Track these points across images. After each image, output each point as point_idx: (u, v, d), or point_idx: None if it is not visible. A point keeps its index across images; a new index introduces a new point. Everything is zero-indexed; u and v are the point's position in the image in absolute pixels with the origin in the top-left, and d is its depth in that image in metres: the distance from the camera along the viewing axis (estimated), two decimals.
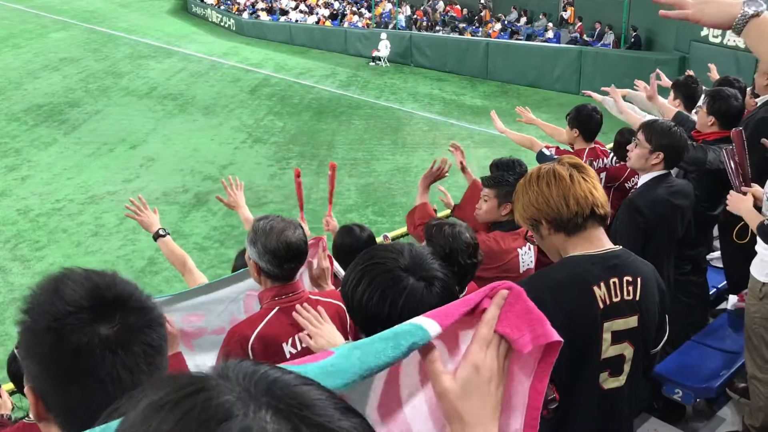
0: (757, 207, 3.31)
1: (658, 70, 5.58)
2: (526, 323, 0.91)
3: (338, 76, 22.55)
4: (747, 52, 14.47)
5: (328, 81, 21.80)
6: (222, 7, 32.21)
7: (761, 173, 3.43)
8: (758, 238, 3.29)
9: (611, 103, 4.88)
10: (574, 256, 2.05)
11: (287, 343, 2.45)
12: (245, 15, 30.93)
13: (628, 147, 3.62)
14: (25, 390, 1.15)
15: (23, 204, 12.37)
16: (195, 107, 18.68)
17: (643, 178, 3.52)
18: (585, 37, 22.37)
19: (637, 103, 4.99)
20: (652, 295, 2.12)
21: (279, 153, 15.26)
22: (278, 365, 0.65)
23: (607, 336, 2.04)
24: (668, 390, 3.78)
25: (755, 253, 3.39)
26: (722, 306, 4.73)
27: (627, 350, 2.08)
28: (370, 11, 29.56)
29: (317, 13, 30.20)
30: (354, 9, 30.41)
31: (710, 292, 4.50)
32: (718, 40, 15.94)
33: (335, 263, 3.06)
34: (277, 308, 2.45)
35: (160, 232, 3.25)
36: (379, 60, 23.76)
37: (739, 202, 3.37)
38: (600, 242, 2.07)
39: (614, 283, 2.03)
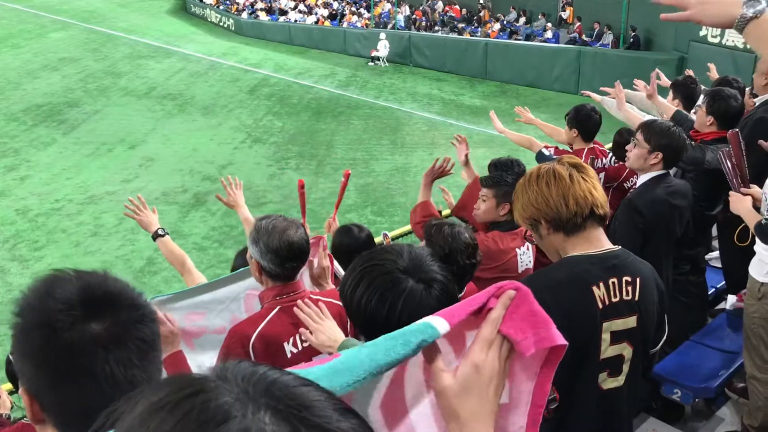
0: (757, 207, 3.32)
1: (657, 70, 5.59)
2: (530, 325, 0.90)
3: (337, 76, 22.54)
4: (745, 52, 14.50)
5: (327, 81, 21.80)
6: (221, 7, 32.20)
7: (759, 174, 3.43)
8: (756, 238, 3.30)
9: (610, 103, 4.89)
10: (574, 256, 2.05)
11: (288, 343, 2.45)
12: (244, 15, 30.91)
13: (626, 147, 3.62)
14: (20, 392, 1.15)
15: (22, 204, 12.36)
16: (194, 107, 18.67)
17: (642, 178, 3.53)
18: (584, 37, 22.38)
19: (635, 103, 4.99)
20: (651, 296, 2.12)
21: (278, 153, 15.25)
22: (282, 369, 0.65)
23: (606, 336, 2.04)
24: (667, 390, 3.78)
25: (755, 253, 3.40)
26: (721, 306, 4.73)
27: (626, 350, 2.09)
28: (369, 11, 29.57)
29: (316, 13, 30.20)
30: (353, 9, 30.42)
31: (709, 292, 4.50)
32: (716, 40, 15.96)
33: (335, 263, 3.07)
34: (278, 308, 2.45)
35: (159, 231, 3.25)
36: (378, 60, 23.76)
37: (738, 203, 3.38)
38: (599, 242, 2.07)
39: (613, 283, 2.03)
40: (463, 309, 0.91)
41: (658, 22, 18.68)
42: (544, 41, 22.77)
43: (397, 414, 0.94)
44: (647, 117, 4.34)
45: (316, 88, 20.92)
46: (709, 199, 4.09)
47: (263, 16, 30.67)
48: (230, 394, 0.57)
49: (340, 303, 2.47)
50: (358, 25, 28.37)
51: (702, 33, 16.38)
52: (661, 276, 2.30)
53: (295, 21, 29.49)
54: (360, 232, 3.67)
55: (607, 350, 2.05)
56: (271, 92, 20.35)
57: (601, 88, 5.08)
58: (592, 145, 4.67)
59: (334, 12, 30.48)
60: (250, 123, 17.37)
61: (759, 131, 4.01)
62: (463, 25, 26.13)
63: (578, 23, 22.96)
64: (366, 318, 1.53)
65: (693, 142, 4.01)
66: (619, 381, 2.11)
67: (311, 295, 2.55)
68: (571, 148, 4.74)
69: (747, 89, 4.90)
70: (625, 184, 4.56)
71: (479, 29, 25.45)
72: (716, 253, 4.83)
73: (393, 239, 5.46)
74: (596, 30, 22.16)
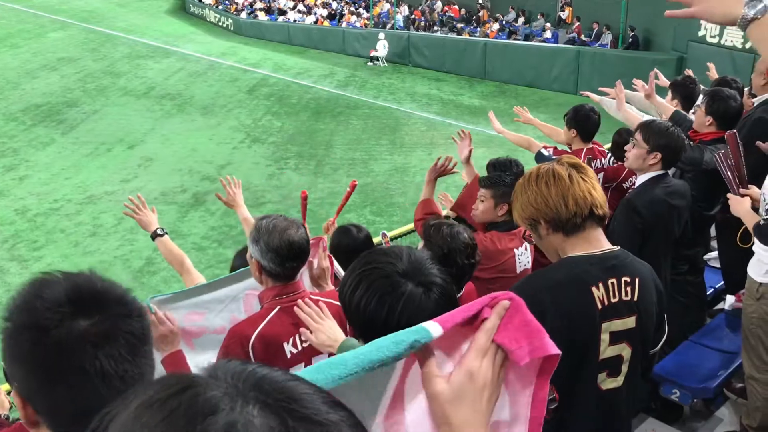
0: (755, 208, 3.32)
1: (656, 70, 5.59)
2: (524, 335, 0.92)
3: (336, 76, 22.54)
4: (744, 52, 14.51)
5: (326, 81, 21.79)
6: (220, 7, 32.17)
7: (757, 174, 3.43)
8: (755, 239, 3.30)
9: (609, 104, 4.89)
10: (573, 256, 2.05)
11: (288, 343, 2.45)
12: (243, 15, 30.89)
13: (625, 147, 3.62)
14: (13, 396, 1.15)
15: (21, 204, 12.35)
16: (193, 107, 18.66)
17: (641, 179, 3.53)
18: (583, 37, 22.39)
19: (635, 104, 4.99)
20: (650, 296, 2.13)
21: (277, 153, 15.25)
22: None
23: (605, 337, 2.04)
24: (666, 390, 3.79)
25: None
26: (720, 306, 4.74)
27: (625, 351, 2.09)
28: (368, 11, 29.56)
29: (315, 13, 30.18)
30: (352, 9, 30.41)
31: (707, 293, 4.51)
32: (715, 40, 15.97)
33: (335, 263, 3.07)
34: (278, 308, 2.45)
35: (158, 231, 3.24)
36: (377, 60, 23.76)
37: (737, 205, 3.38)
38: (599, 243, 2.07)
39: (612, 283, 2.03)
40: (457, 315, 0.92)
41: (657, 22, 18.71)
42: (543, 41, 22.78)
43: (399, 425, 0.95)
44: (646, 117, 4.34)
45: (315, 88, 20.91)
46: (707, 199, 4.09)
47: (262, 16, 30.66)
48: (219, 389, 0.58)
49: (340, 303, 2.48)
50: (357, 25, 28.36)
51: (701, 33, 16.39)
52: (659, 276, 2.30)
53: (294, 21, 29.47)
54: (359, 232, 3.67)
55: (606, 351, 2.06)
56: (270, 92, 20.35)
57: (600, 89, 5.09)
58: (590, 145, 4.67)
59: (333, 12, 30.48)
60: (249, 123, 17.37)
61: (757, 131, 4.02)
62: (462, 25, 26.13)
63: (577, 23, 22.96)
64: (365, 321, 1.52)
65: (692, 143, 4.02)
66: (618, 381, 2.12)
67: (311, 296, 2.55)
68: (570, 148, 4.74)
69: (746, 89, 4.90)
70: (623, 185, 4.56)
71: (478, 29, 25.45)
72: (715, 254, 4.83)
73: (392, 239, 5.46)
74: (595, 30, 22.17)
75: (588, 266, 2.03)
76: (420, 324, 0.89)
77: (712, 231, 4.71)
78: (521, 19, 25.16)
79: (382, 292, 1.51)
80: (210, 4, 32.45)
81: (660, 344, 2.30)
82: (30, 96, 19.17)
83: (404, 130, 17.01)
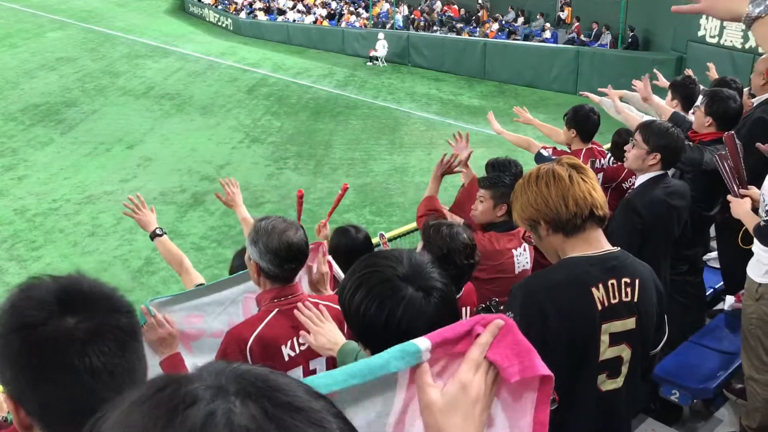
0: (755, 209, 3.32)
1: (655, 70, 5.59)
2: (515, 354, 0.96)
3: (336, 75, 22.53)
4: (743, 52, 14.52)
5: (326, 81, 21.79)
6: (219, 7, 32.16)
7: (757, 175, 3.43)
8: (755, 240, 3.30)
9: (608, 104, 4.89)
10: (573, 257, 2.05)
11: (286, 346, 2.44)
12: (243, 15, 30.88)
13: (625, 147, 3.62)
14: (4, 399, 1.15)
15: (20, 204, 12.34)
16: (192, 107, 18.65)
17: (641, 179, 3.53)
18: (582, 37, 22.39)
19: (633, 104, 4.99)
20: (650, 297, 2.12)
21: (276, 153, 15.24)
22: None
23: (605, 338, 2.03)
24: (665, 391, 3.79)
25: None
26: (719, 307, 4.74)
27: (625, 352, 2.08)
28: (367, 11, 29.55)
29: (315, 13, 30.17)
30: (351, 9, 30.40)
31: (707, 293, 4.50)
32: (715, 41, 15.97)
33: (335, 266, 3.06)
34: (276, 310, 2.44)
35: (158, 231, 3.23)
36: (377, 60, 23.75)
37: (737, 207, 3.37)
38: (599, 243, 2.07)
39: (612, 284, 2.03)
40: (447, 332, 0.96)
41: (657, 22, 18.72)
42: (543, 41, 22.77)
43: None
44: (646, 118, 4.33)
45: (315, 87, 20.90)
46: (707, 199, 4.09)
47: (261, 16, 30.65)
48: (201, 383, 0.60)
49: (339, 307, 2.48)
50: (357, 24, 28.36)
51: (700, 33, 16.40)
52: (659, 276, 2.29)
53: (294, 21, 29.46)
54: (357, 232, 3.67)
55: (606, 352, 2.05)
56: (269, 92, 20.34)
57: (600, 89, 5.08)
58: (590, 146, 4.67)
59: (332, 12, 30.46)
60: (248, 123, 17.36)
61: (757, 131, 4.02)
62: (462, 25, 26.13)
63: (577, 23, 22.95)
64: (364, 324, 1.51)
65: (691, 143, 4.01)
66: (618, 383, 2.11)
67: (309, 299, 2.54)
68: (570, 149, 4.74)
69: (745, 90, 4.90)
70: (623, 185, 4.56)
71: (477, 29, 25.45)
72: (714, 254, 4.83)
73: (390, 240, 5.45)
74: (594, 30, 22.17)
75: (588, 267, 2.03)
76: (410, 341, 0.93)
77: (712, 231, 4.71)
78: (521, 19, 25.16)
79: (383, 296, 1.49)
80: (209, 4, 32.44)
81: (660, 345, 2.30)
82: (29, 96, 19.16)
83: (403, 130, 17.01)
